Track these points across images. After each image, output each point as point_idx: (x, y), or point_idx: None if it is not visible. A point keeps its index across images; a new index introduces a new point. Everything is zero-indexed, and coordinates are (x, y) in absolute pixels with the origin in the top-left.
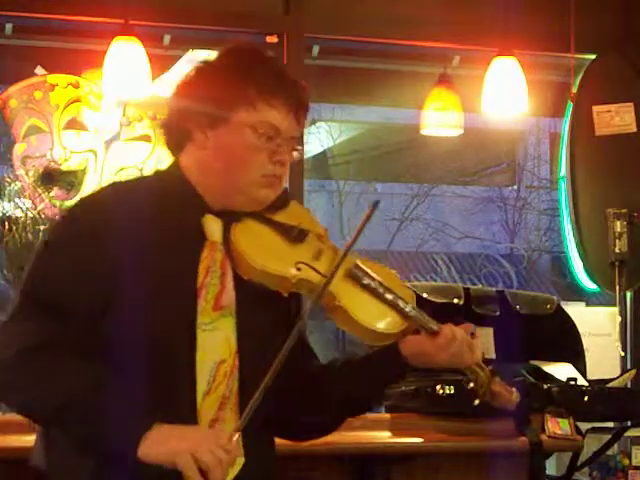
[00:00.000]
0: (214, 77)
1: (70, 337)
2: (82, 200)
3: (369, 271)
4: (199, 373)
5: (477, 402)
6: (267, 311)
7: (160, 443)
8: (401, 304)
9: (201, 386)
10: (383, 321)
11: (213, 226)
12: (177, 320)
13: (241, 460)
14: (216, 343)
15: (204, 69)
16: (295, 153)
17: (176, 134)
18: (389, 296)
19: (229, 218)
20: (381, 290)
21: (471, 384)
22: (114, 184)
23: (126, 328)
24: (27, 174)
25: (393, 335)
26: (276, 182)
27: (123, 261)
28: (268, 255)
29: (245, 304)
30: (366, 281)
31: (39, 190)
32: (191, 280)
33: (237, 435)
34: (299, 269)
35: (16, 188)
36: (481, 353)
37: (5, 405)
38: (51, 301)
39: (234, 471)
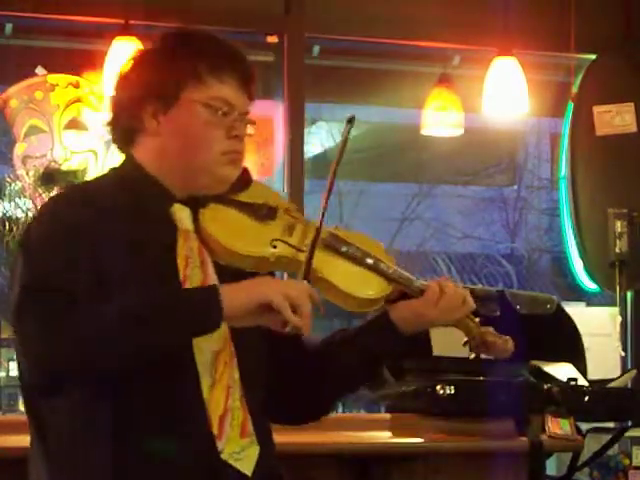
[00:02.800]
0: (157, 60)
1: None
2: (54, 200)
3: (345, 238)
4: (200, 366)
5: (472, 356)
6: None
7: (242, 289)
8: (383, 267)
9: (205, 379)
10: (367, 286)
11: (183, 215)
12: None
13: (256, 448)
14: (210, 334)
15: (143, 56)
16: (250, 129)
17: (125, 128)
18: (370, 260)
19: (196, 205)
20: (360, 255)
21: (465, 338)
22: (75, 186)
23: None
24: (27, 174)
25: (379, 299)
26: (237, 158)
27: (104, 261)
28: (243, 237)
29: None
30: (344, 248)
31: (39, 190)
32: (173, 274)
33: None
34: (275, 247)
35: (16, 188)
36: (473, 303)
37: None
38: (56, 288)
39: (254, 459)
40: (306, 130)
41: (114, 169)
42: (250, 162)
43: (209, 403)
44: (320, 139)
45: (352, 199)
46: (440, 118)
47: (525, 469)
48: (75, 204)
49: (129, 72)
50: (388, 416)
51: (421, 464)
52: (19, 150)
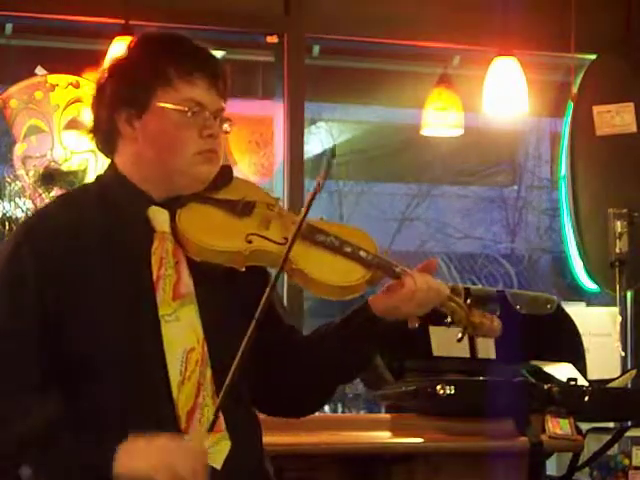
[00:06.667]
0: (128, 68)
1: (24, 364)
2: (23, 225)
3: (322, 228)
4: (170, 364)
5: (460, 336)
6: (229, 292)
7: (136, 458)
8: (361, 254)
9: (174, 377)
10: (345, 274)
11: (159, 217)
12: (139, 317)
13: (227, 444)
14: (182, 332)
15: (115, 65)
16: (225, 126)
17: (105, 136)
18: (347, 249)
19: (174, 206)
20: (337, 244)
21: (448, 319)
22: (57, 198)
23: (88, 336)
24: (27, 174)
25: (358, 286)
26: (213, 157)
27: (74, 274)
28: (216, 233)
29: (204, 289)
30: (320, 238)
31: (39, 190)
32: (146, 274)
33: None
34: (250, 241)
35: (16, 188)
36: (448, 287)
37: None
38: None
39: (224, 453)
40: (305, 130)
41: (98, 177)
42: (250, 162)
43: (177, 400)
44: (320, 139)
45: (352, 199)
46: (440, 118)
47: (525, 469)
48: (41, 228)
49: (103, 82)
50: (388, 416)
51: (421, 464)
52: (19, 150)
